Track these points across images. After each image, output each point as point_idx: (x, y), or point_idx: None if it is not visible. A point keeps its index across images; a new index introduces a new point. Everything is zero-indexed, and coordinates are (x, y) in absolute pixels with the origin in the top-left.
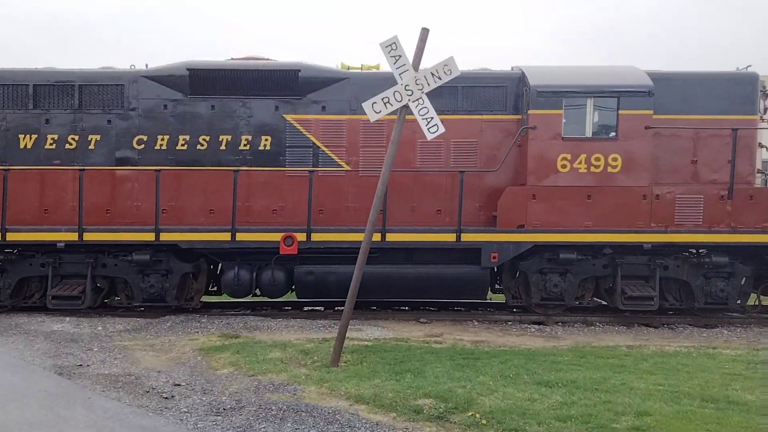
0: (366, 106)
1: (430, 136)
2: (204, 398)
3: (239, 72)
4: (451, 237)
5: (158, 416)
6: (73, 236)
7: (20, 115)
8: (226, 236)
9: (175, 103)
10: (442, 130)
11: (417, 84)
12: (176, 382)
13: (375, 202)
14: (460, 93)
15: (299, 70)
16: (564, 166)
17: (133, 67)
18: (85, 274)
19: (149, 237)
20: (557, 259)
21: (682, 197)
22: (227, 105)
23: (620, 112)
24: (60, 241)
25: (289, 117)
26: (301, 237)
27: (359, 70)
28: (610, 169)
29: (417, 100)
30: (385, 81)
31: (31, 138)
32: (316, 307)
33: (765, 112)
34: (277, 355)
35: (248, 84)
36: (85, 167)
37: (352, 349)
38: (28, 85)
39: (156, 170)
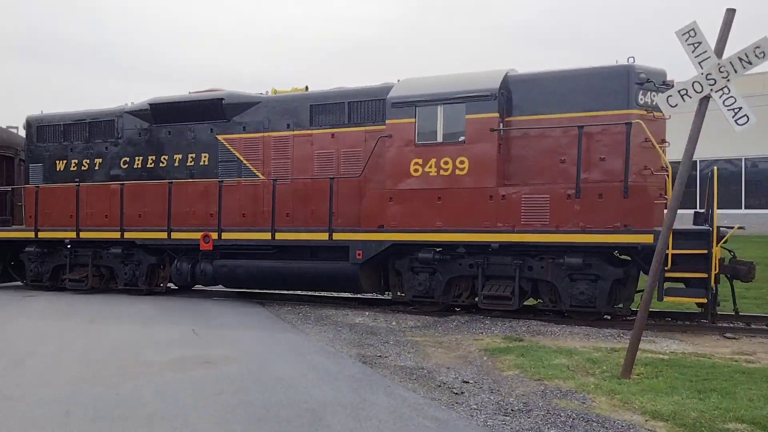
0: (660, 99)
1: (738, 129)
2: (492, 397)
3: (184, 103)
4: (325, 236)
5: (450, 410)
6: (71, 234)
7: (56, 147)
8: (164, 235)
9: (145, 131)
10: (753, 120)
11: (721, 72)
12: (465, 379)
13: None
14: (347, 108)
15: (223, 99)
16: (416, 171)
17: (126, 104)
18: (87, 264)
19: (117, 235)
20: (427, 258)
21: (528, 197)
22: (179, 130)
23: (467, 116)
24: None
25: (220, 137)
26: (218, 236)
27: (269, 95)
28: (458, 172)
29: (721, 89)
30: (291, 101)
31: (62, 163)
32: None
33: (659, 104)
34: (562, 362)
35: (191, 112)
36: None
37: (645, 362)
38: (60, 124)
39: (120, 184)
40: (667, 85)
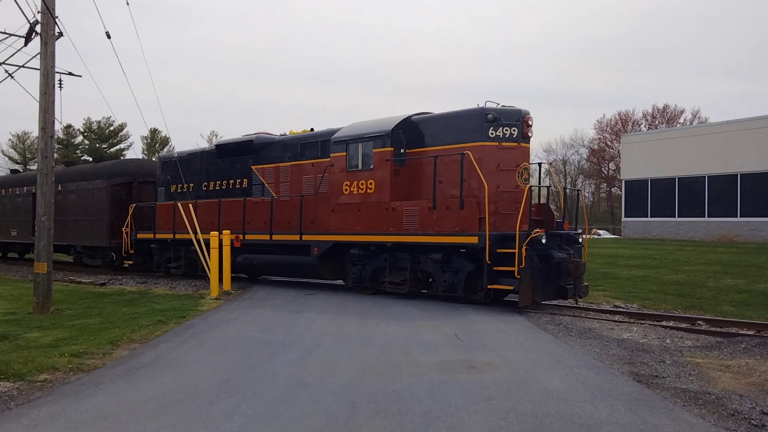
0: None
1: None
2: None
3: (233, 144)
4: (297, 237)
5: None
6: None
7: (171, 175)
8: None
9: (214, 164)
10: None
11: None
12: (764, 410)
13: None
14: (319, 145)
15: (253, 140)
16: (346, 190)
17: (209, 142)
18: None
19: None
20: (356, 253)
21: (407, 209)
22: (231, 162)
23: (374, 150)
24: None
25: (253, 167)
26: (243, 237)
27: (279, 136)
28: (368, 191)
29: None
30: (290, 140)
31: (174, 186)
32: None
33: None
34: None
35: (238, 150)
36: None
37: None
38: (172, 160)
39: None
40: (519, 121)
